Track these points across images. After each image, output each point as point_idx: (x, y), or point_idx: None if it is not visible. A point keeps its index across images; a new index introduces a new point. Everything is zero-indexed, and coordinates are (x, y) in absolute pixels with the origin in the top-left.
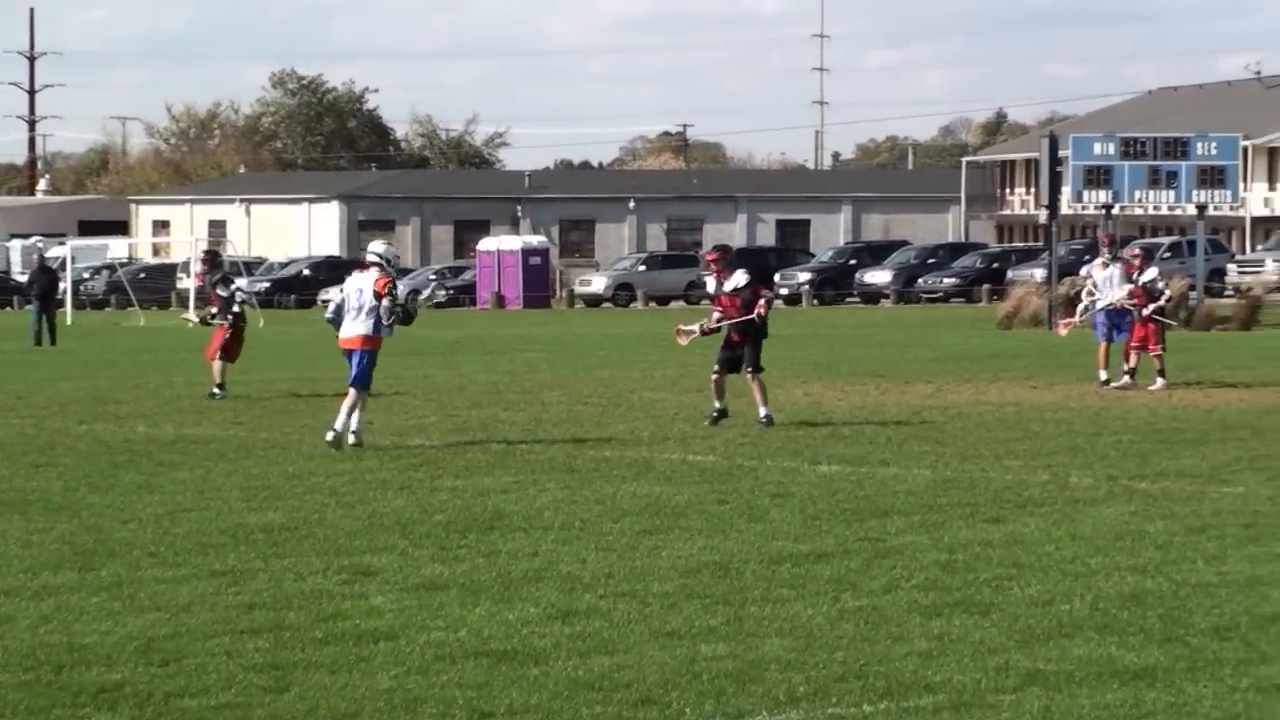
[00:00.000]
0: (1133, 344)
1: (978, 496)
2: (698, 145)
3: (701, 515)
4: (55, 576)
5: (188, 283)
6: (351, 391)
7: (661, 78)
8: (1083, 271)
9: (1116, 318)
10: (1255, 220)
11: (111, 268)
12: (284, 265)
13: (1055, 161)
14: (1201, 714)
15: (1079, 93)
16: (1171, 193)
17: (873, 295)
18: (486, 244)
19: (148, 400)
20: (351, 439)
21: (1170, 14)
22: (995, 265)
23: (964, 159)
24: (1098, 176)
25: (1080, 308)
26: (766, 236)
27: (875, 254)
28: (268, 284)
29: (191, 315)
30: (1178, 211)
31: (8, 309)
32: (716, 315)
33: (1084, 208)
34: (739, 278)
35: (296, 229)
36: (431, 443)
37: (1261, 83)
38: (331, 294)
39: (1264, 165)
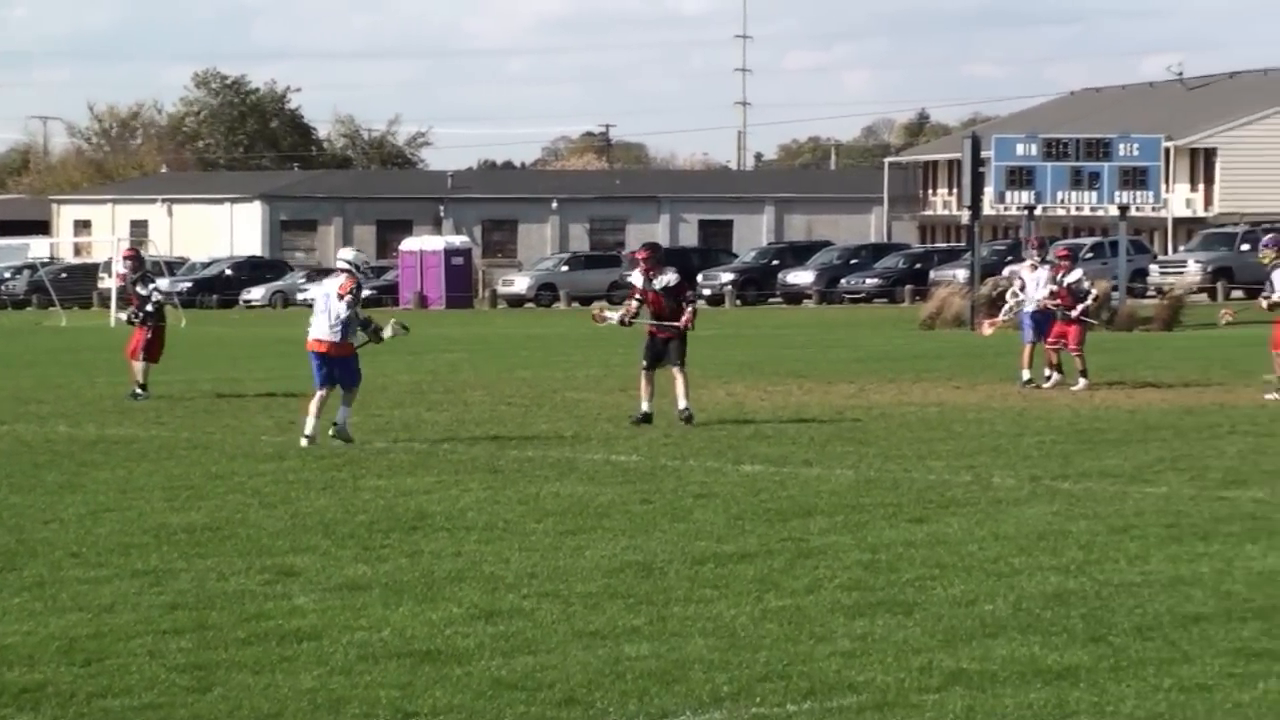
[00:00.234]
0: (1049, 342)
1: (901, 496)
2: (620, 146)
3: (625, 515)
4: None
5: (109, 282)
6: (344, 392)
7: (584, 78)
8: (1006, 271)
9: (1043, 319)
10: (1177, 221)
11: (33, 267)
12: (206, 265)
13: (978, 162)
14: (1124, 713)
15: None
16: (1094, 194)
17: (795, 296)
18: (409, 244)
19: (69, 400)
20: (333, 430)
21: (1093, 15)
22: (918, 266)
23: (886, 160)
24: (1020, 177)
25: (1005, 308)
26: (689, 237)
27: (798, 254)
28: (190, 284)
29: (120, 314)
30: (1100, 212)
31: None
32: (635, 305)
33: (1006, 208)
34: (669, 276)
35: (219, 229)
36: (354, 443)
37: (1184, 84)
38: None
39: (1186, 166)
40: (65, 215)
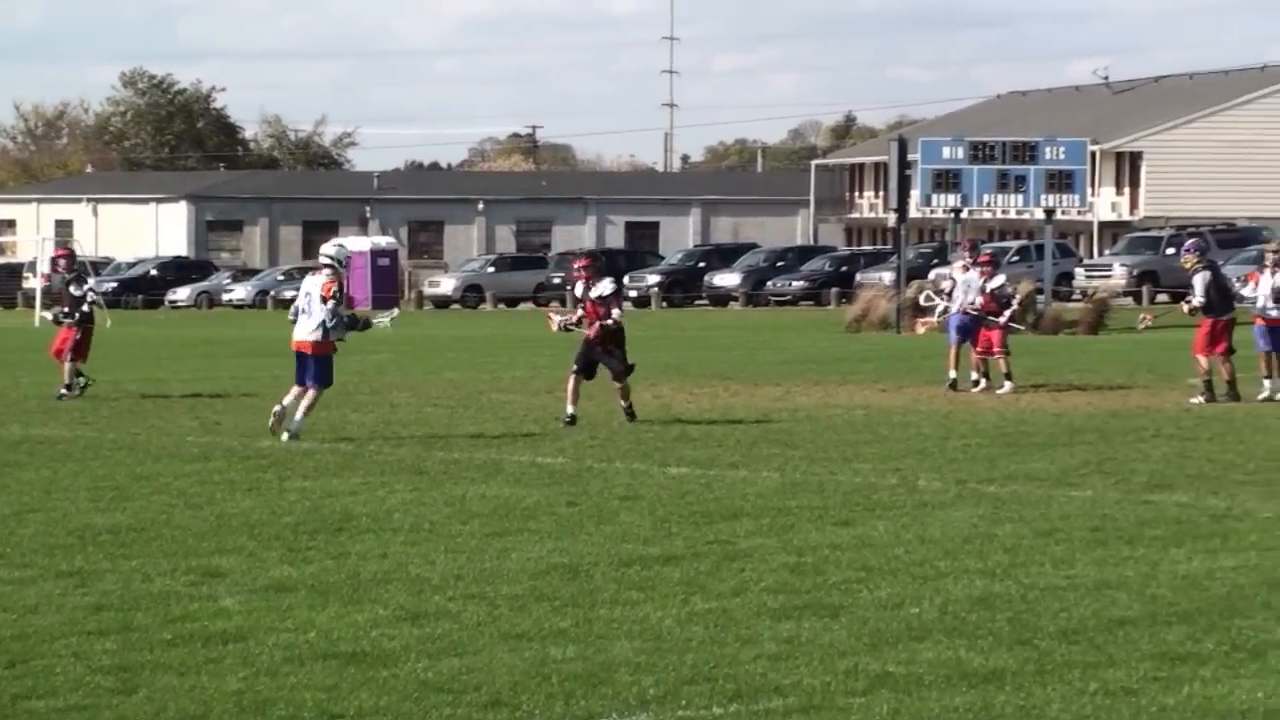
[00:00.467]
0: (978, 350)
1: (827, 499)
2: (547, 147)
3: (551, 517)
4: None
5: (34, 282)
6: (310, 391)
7: (511, 79)
8: (933, 274)
9: (970, 322)
10: (1103, 225)
11: None
12: (131, 265)
13: (904, 165)
14: (1050, 717)
15: (928, 97)
16: (1020, 197)
17: (722, 298)
18: None
19: None
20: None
21: (1019, 18)
22: (844, 268)
23: (813, 162)
24: (946, 180)
25: (939, 309)
26: (615, 239)
27: (724, 257)
28: (115, 284)
29: (45, 314)
30: (1026, 215)
31: None
32: (576, 317)
33: (932, 211)
34: (605, 286)
35: (144, 229)
36: (280, 444)
37: (1109, 87)
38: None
39: (1111, 170)
40: None
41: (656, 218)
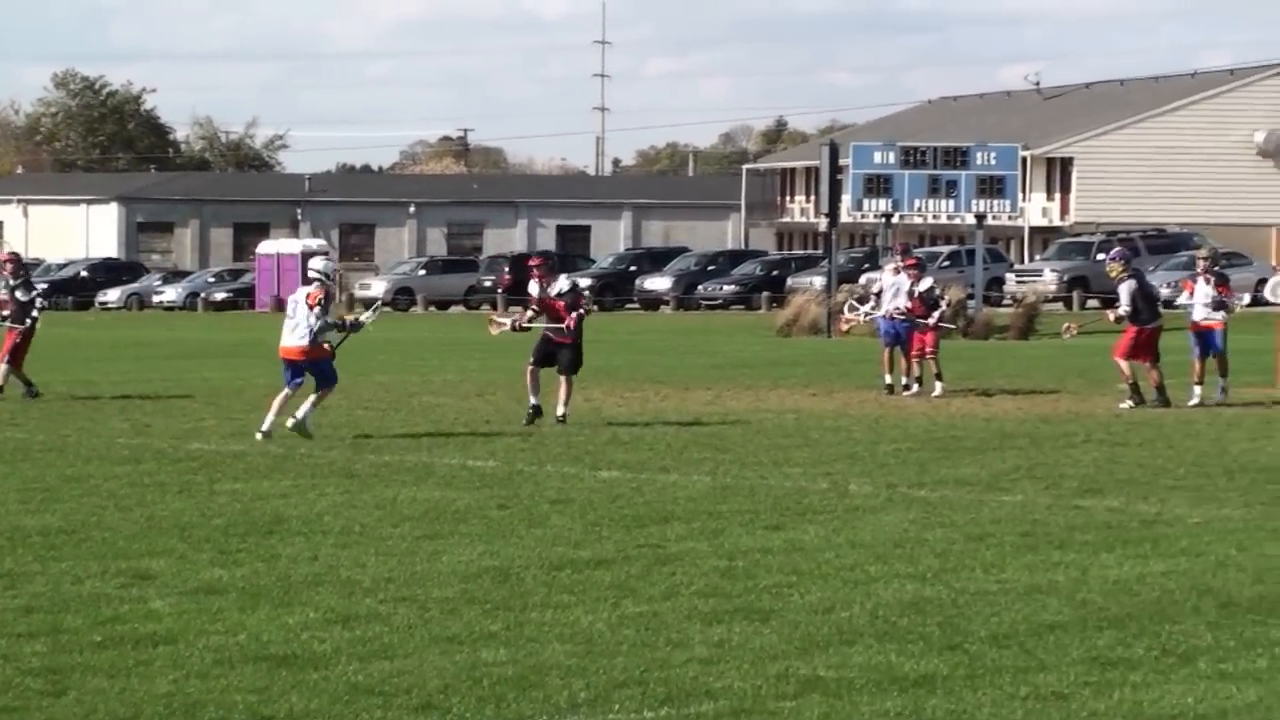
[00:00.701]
0: (913, 354)
1: (758, 503)
2: (478, 150)
3: (482, 520)
4: None
5: None
6: (317, 391)
7: (443, 82)
8: (864, 279)
9: (900, 324)
10: (1034, 230)
11: None
12: (61, 267)
13: (835, 170)
14: None
15: (859, 101)
16: (951, 202)
17: (653, 302)
18: (266, 247)
19: None
20: (291, 421)
21: (950, 24)
22: (775, 273)
23: (744, 166)
24: (878, 185)
25: (865, 308)
26: (547, 242)
27: (655, 260)
28: (45, 285)
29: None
30: (957, 221)
31: None
32: (529, 315)
33: (864, 216)
34: (562, 283)
35: (74, 230)
36: (210, 446)
37: (1040, 93)
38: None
39: (1043, 175)
40: None
41: (588, 221)
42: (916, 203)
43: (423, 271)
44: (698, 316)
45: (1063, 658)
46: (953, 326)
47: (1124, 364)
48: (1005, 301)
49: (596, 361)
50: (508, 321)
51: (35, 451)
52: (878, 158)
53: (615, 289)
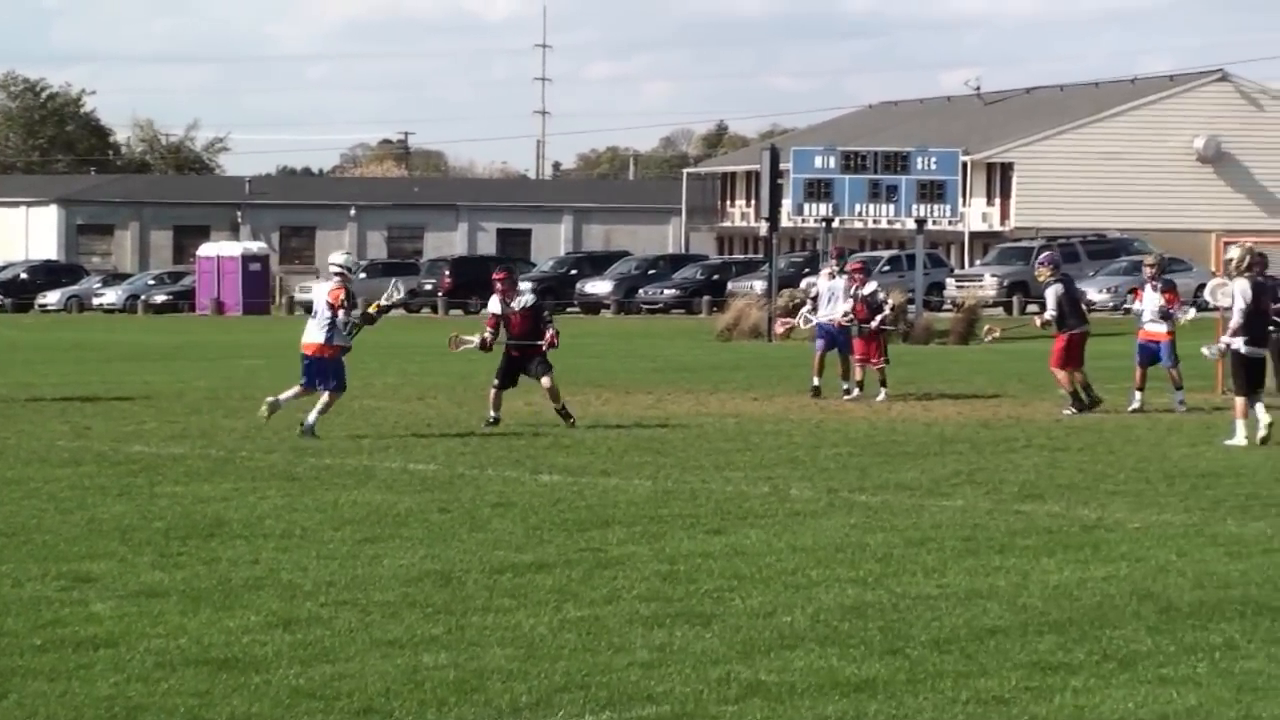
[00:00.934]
0: (856, 358)
1: (699, 507)
2: (419, 153)
3: (423, 524)
4: None
5: None
6: (324, 395)
7: (383, 85)
8: (804, 283)
9: (837, 330)
10: (974, 235)
11: None
12: (1, 269)
13: (776, 174)
14: None
15: (800, 106)
16: (892, 206)
17: (593, 305)
18: (206, 250)
19: None
20: (302, 426)
21: (891, 29)
22: (715, 277)
23: (685, 170)
24: (818, 189)
25: (803, 311)
26: (487, 245)
27: (596, 264)
28: None
29: None
30: (898, 225)
31: None
32: (490, 333)
33: (804, 220)
34: (527, 296)
35: (14, 232)
36: (150, 449)
37: (981, 99)
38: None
39: (983, 181)
40: None
41: (528, 225)
42: (857, 207)
43: (363, 275)
44: (638, 320)
45: (1004, 662)
46: (894, 329)
47: (1060, 374)
48: (945, 306)
49: None
50: (475, 340)
51: None
52: (818, 162)
53: (556, 292)
